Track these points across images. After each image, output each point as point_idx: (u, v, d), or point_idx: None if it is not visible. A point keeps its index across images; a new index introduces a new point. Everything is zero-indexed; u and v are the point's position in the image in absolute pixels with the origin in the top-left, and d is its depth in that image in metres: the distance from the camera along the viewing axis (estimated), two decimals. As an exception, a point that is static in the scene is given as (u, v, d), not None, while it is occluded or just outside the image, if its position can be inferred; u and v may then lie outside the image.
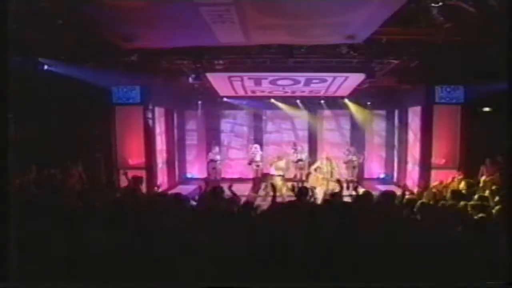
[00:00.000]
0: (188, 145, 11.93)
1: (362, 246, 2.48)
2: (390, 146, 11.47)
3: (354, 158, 9.97)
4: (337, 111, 11.78)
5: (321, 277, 2.25)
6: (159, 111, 10.04)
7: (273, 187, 4.84)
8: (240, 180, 11.26)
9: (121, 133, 9.02)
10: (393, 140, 11.35)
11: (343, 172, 9.12)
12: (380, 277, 2.17)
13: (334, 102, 11.31)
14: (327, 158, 8.05)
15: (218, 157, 10.34)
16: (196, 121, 11.92)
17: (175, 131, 11.31)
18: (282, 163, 8.26)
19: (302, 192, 4.41)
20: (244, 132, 11.94)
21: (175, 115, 11.36)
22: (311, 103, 11.45)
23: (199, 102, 11.27)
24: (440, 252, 2.32)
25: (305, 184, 7.29)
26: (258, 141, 11.20)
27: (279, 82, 8.97)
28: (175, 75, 8.76)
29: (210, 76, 8.42)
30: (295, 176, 9.59)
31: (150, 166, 9.20)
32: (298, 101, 11.27)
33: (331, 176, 7.66)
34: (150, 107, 9.19)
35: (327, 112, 11.90)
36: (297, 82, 8.94)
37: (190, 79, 8.23)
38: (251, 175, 10.68)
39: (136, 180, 5.98)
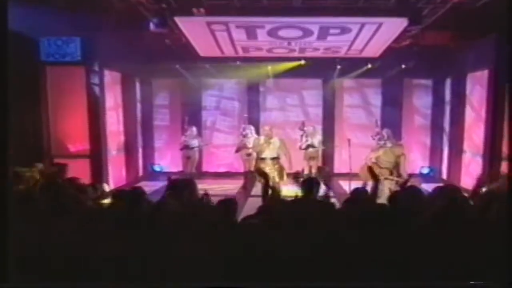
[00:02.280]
0: (158, 127, 11.12)
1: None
2: (437, 130, 10.55)
3: (389, 145, 8.79)
4: (363, 81, 10.73)
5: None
6: (112, 77, 9.08)
7: (263, 175, 3.89)
8: (228, 175, 10.40)
9: (56, 106, 8.05)
10: (442, 121, 10.40)
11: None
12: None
13: (360, 67, 10.19)
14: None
15: (194, 142, 9.24)
16: (168, 94, 11.09)
17: (138, 106, 10.56)
18: (276, 142, 7.26)
19: (311, 185, 3.78)
20: (235, 109, 11.04)
21: (137, 84, 10.43)
22: (328, 69, 10.35)
23: (173, 66, 10.06)
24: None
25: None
26: (254, 121, 10.07)
27: (282, 33, 7.82)
28: (133, 21, 7.60)
29: (181, 22, 7.25)
30: (302, 170, 8.46)
31: (96, 153, 8.15)
32: (308, 64, 10.12)
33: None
34: (96, 68, 8.08)
35: (349, 82, 10.87)
36: (307, 33, 7.78)
37: (152, 26, 7.07)
38: (243, 169, 9.80)
39: (58, 169, 5.26)
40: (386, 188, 6.38)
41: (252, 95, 10.89)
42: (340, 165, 10.43)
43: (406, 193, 3.78)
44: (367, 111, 10.90)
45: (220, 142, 11.08)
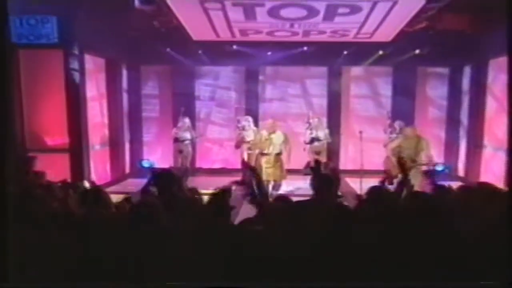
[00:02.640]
0: (146, 119, 10.58)
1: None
2: (454, 123, 9.99)
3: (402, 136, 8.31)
4: (373, 69, 10.16)
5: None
6: (95, 62, 8.54)
7: (253, 171, 3.94)
8: (223, 172, 9.67)
9: (30, 95, 7.46)
10: (459, 113, 9.84)
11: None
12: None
13: (370, 53, 9.63)
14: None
15: (186, 134, 8.67)
16: (158, 82, 10.53)
17: (125, 96, 9.97)
18: (280, 136, 6.92)
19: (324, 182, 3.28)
20: (231, 99, 10.50)
21: (124, 71, 9.85)
22: (334, 55, 9.77)
23: (163, 51, 9.46)
24: None
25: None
26: (252, 113, 9.56)
27: (284, 13, 7.25)
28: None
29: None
30: (308, 163, 7.90)
31: (77, 148, 7.59)
32: (313, 50, 9.54)
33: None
34: (76, 52, 7.46)
35: (357, 70, 10.31)
36: (313, 12, 7.22)
37: (137, 1, 6.50)
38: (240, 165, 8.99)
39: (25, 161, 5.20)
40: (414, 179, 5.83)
41: (251, 85, 10.33)
42: (346, 161, 10.01)
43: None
44: (377, 102, 10.37)
45: (215, 135, 10.59)
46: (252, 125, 8.71)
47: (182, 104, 9.43)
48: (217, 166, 10.44)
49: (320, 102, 10.40)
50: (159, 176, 3.60)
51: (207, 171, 10.13)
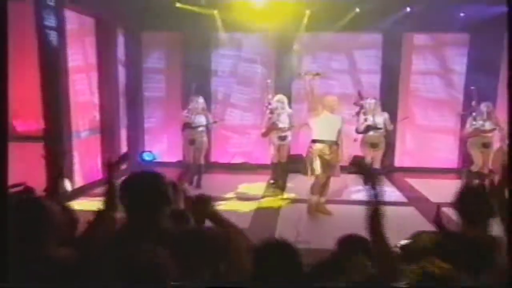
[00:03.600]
0: (149, 100, 9.50)
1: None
2: None
3: (488, 126, 7.05)
4: (443, 36, 8.95)
5: None
6: (80, 22, 7.37)
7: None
8: (245, 168, 9.00)
9: None
10: None
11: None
12: None
13: (441, 13, 8.13)
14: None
15: (201, 119, 7.43)
16: (164, 53, 9.43)
17: (121, 69, 8.77)
18: (338, 121, 5.85)
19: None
20: (257, 75, 9.29)
21: (120, 37, 8.62)
22: (392, 17, 8.35)
23: (171, 13, 8.16)
24: None
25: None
26: (283, 92, 8.12)
27: None
28: None
29: None
30: (355, 159, 6.66)
31: (55, 135, 6.50)
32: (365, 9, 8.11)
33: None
34: (52, 3, 6.13)
35: (422, 38, 9.04)
36: None
37: None
38: (270, 159, 7.99)
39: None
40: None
41: (282, 57, 9.02)
42: (403, 156, 8.95)
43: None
44: (446, 80, 9.03)
45: (236, 121, 9.43)
46: (287, 107, 7.39)
47: (194, 81, 8.19)
48: (237, 160, 9.33)
49: (372, 79, 9.09)
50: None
51: (225, 167, 9.10)
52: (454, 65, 8.95)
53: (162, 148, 9.45)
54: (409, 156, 9.04)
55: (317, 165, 5.72)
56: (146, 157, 9.24)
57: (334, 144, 5.83)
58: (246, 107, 9.40)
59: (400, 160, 9.03)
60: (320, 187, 5.90)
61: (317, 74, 5.93)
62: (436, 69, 9.02)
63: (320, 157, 5.72)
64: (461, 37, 8.71)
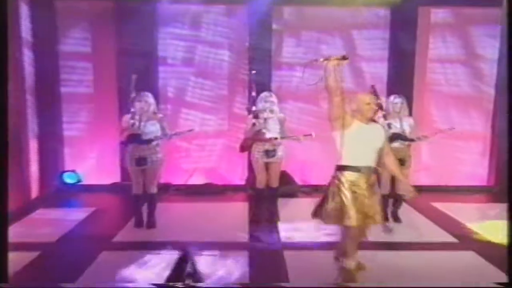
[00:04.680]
0: (70, 97, 8.36)
1: None
2: None
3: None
4: (464, 11, 8.19)
5: None
6: None
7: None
8: (209, 190, 8.04)
9: None
10: None
11: None
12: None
13: None
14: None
15: (154, 127, 6.25)
16: (90, 31, 8.27)
17: (27, 55, 7.72)
18: (380, 129, 4.45)
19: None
20: (223, 63, 8.38)
21: (23, 7, 7.69)
22: None
23: None
24: None
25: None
26: (262, 86, 7.18)
27: None
28: None
29: None
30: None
31: None
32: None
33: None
34: None
35: (441, 14, 8.38)
36: None
37: None
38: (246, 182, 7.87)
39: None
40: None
41: (257, 37, 7.97)
42: (417, 171, 7.72)
43: None
44: (473, 69, 8.25)
45: (193, 127, 7.97)
46: (277, 109, 6.20)
47: (134, 71, 6.69)
48: (197, 181, 8.21)
49: (376, 69, 8.15)
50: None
51: (180, 190, 8.03)
52: (483, 49, 8.16)
53: (89, 166, 8.29)
54: (427, 172, 8.09)
55: (351, 209, 4.16)
56: (68, 179, 8.23)
57: (373, 173, 4.30)
58: (207, 108, 8.27)
59: (414, 177, 7.89)
60: (355, 243, 4.35)
61: (344, 58, 4.41)
62: (460, 55, 8.24)
63: (355, 194, 4.16)
64: (492, 12, 7.87)
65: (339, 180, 4.17)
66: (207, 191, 7.89)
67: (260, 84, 7.34)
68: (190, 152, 8.34)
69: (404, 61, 7.91)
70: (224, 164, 8.26)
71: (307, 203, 6.89)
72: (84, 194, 7.68)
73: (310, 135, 5.87)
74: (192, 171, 8.31)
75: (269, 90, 7.29)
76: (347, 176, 4.15)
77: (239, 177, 7.98)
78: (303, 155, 7.62)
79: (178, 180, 8.16)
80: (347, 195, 4.11)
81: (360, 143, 4.14)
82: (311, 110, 7.96)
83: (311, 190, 7.54)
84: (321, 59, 4.41)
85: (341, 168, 4.19)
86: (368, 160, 4.17)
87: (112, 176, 7.98)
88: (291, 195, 7.30)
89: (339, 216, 4.12)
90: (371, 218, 4.17)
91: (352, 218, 4.05)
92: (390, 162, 4.28)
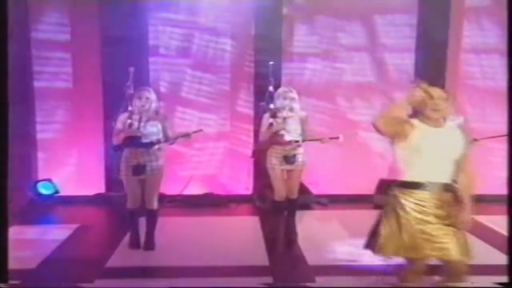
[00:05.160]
0: (45, 93, 7.92)
1: None
2: None
3: None
4: None
5: None
6: None
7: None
8: (210, 202, 7.61)
9: None
10: None
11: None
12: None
13: None
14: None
15: (155, 129, 5.57)
16: (68, 12, 7.85)
17: None
18: (454, 142, 3.95)
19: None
20: (225, 52, 7.91)
21: None
22: None
23: None
24: None
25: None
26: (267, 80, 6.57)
27: None
28: None
29: None
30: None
31: None
32: None
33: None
34: None
35: None
36: None
37: None
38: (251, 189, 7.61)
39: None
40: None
41: (264, 24, 7.54)
42: None
43: None
44: None
45: (190, 128, 7.19)
46: (297, 106, 5.69)
47: (121, 62, 6.42)
48: (195, 191, 7.72)
49: (402, 60, 7.66)
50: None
51: (175, 202, 7.52)
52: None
53: (68, 174, 7.76)
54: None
55: (419, 237, 3.51)
56: (43, 189, 7.70)
57: (448, 192, 3.66)
58: (206, 106, 7.74)
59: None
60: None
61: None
62: (498, 45, 7.68)
63: (417, 219, 3.53)
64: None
65: (398, 200, 3.53)
66: (207, 202, 7.39)
67: (267, 78, 6.63)
68: (186, 157, 7.73)
69: (434, 51, 7.44)
70: (226, 171, 7.81)
71: (326, 217, 6.52)
72: (62, 207, 7.13)
73: (338, 138, 5.50)
74: (188, 179, 7.77)
75: (279, 84, 6.61)
76: (409, 195, 3.51)
77: (244, 186, 7.43)
78: (317, 160, 7.11)
79: (172, 189, 7.53)
80: (410, 220, 3.48)
81: (427, 152, 3.47)
82: (326, 108, 7.47)
83: (328, 201, 7.08)
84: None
85: (400, 185, 3.54)
86: (438, 174, 3.50)
87: (95, 186, 7.50)
88: (305, 206, 6.73)
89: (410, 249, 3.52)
90: (440, 251, 3.54)
91: (421, 249, 3.42)
92: (461, 181, 3.61)
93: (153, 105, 5.33)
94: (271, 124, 5.49)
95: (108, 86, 7.17)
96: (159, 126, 5.32)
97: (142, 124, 5.18)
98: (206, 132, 7.39)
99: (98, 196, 7.21)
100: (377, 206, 7.10)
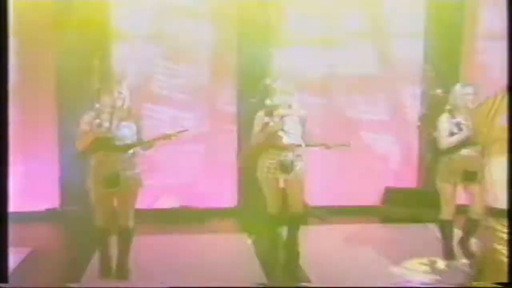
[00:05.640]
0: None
1: None
2: None
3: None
4: None
5: None
6: None
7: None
8: (186, 215, 7.04)
9: None
10: None
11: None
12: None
13: None
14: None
15: (128, 131, 5.09)
16: None
17: None
18: None
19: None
20: (202, 38, 7.32)
21: None
22: None
23: None
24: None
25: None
26: (257, 72, 6.66)
27: None
28: None
29: None
30: None
31: None
32: None
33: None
34: None
35: None
36: None
37: None
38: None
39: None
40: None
41: (250, 3, 6.99)
42: None
43: None
44: None
45: (162, 128, 6.64)
46: (296, 104, 5.29)
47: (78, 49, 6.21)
48: (168, 204, 7.09)
49: (412, 46, 7.18)
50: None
51: (146, 216, 6.55)
52: None
53: (13, 186, 6.41)
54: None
55: None
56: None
57: None
58: (181, 102, 7.10)
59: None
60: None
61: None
62: None
63: None
64: None
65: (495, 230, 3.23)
66: (182, 217, 6.71)
67: (254, 70, 6.45)
68: (157, 164, 6.90)
69: (446, 36, 6.95)
70: (205, 179, 7.11)
71: (326, 233, 6.03)
72: (8, 226, 6.20)
73: (348, 145, 5.08)
74: (160, 190, 7.01)
75: (268, 76, 6.15)
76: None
77: (227, 197, 6.78)
78: (312, 165, 6.50)
79: (140, 203, 6.74)
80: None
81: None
82: (320, 105, 6.87)
83: (327, 213, 6.50)
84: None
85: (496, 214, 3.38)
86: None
87: (46, 199, 6.76)
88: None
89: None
90: None
91: None
92: None
93: (126, 102, 4.71)
94: (266, 124, 4.91)
95: (63, 79, 6.44)
96: (133, 127, 4.69)
97: (113, 124, 4.54)
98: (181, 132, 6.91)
99: (50, 211, 6.49)
100: (385, 219, 6.59)
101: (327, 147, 5.03)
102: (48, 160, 6.59)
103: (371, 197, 6.63)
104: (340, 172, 6.66)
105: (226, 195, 6.82)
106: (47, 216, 6.44)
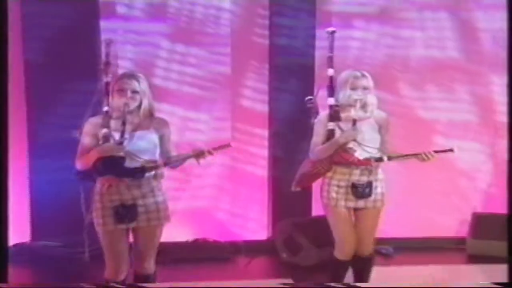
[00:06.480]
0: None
1: None
2: None
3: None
4: None
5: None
6: None
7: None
8: (204, 254, 6.27)
9: None
10: None
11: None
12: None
13: None
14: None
15: (142, 142, 4.25)
16: None
17: None
18: None
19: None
20: (220, 21, 6.61)
21: None
22: None
23: None
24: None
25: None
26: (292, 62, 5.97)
27: None
28: None
29: None
30: None
31: None
32: None
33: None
34: None
35: None
36: None
37: None
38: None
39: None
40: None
41: None
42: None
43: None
44: None
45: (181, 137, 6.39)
46: (374, 101, 4.59)
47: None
48: (178, 237, 6.10)
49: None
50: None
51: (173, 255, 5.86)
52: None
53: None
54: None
55: None
56: None
57: None
58: (193, 99, 6.14)
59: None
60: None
61: None
62: None
63: None
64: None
65: None
66: (197, 255, 5.63)
67: (293, 53, 5.52)
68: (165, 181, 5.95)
69: None
70: (226, 203, 6.12)
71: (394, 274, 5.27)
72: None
73: (451, 150, 4.12)
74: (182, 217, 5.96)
75: (312, 62, 5.42)
76: None
77: (258, 227, 5.81)
78: None
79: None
80: None
81: None
82: (382, 100, 5.75)
83: (393, 248, 5.54)
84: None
85: None
86: None
87: (16, 232, 5.46)
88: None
89: None
90: None
91: None
92: None
93: (145, 103, 3.96)
94: (331, 132, 4.01)
95: (34, 72, 5.54)
96: (155, 137, 3.95)
97: (126, 135, 3.78)
98: (192, 140, 5.94)
99: (18, 247, 5.45)
100: (471, 256, 5.84)
101: (419, 158, 4.09)
102: (16, 182, 5.36)
103: (452, 226, 5.71)
104: (409, 192, 5.56)
105: (255, 225, 5.81)
106: (18, 253, 5.36)
